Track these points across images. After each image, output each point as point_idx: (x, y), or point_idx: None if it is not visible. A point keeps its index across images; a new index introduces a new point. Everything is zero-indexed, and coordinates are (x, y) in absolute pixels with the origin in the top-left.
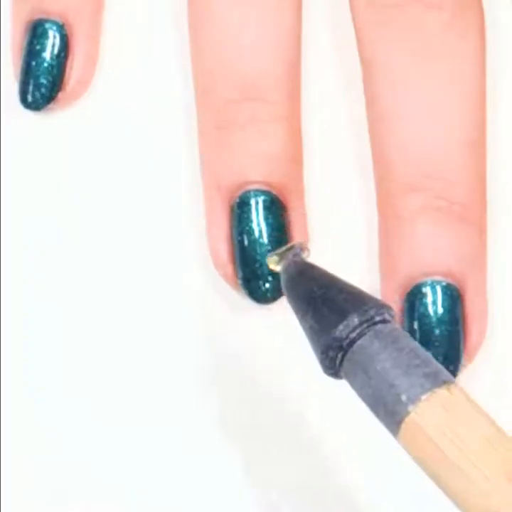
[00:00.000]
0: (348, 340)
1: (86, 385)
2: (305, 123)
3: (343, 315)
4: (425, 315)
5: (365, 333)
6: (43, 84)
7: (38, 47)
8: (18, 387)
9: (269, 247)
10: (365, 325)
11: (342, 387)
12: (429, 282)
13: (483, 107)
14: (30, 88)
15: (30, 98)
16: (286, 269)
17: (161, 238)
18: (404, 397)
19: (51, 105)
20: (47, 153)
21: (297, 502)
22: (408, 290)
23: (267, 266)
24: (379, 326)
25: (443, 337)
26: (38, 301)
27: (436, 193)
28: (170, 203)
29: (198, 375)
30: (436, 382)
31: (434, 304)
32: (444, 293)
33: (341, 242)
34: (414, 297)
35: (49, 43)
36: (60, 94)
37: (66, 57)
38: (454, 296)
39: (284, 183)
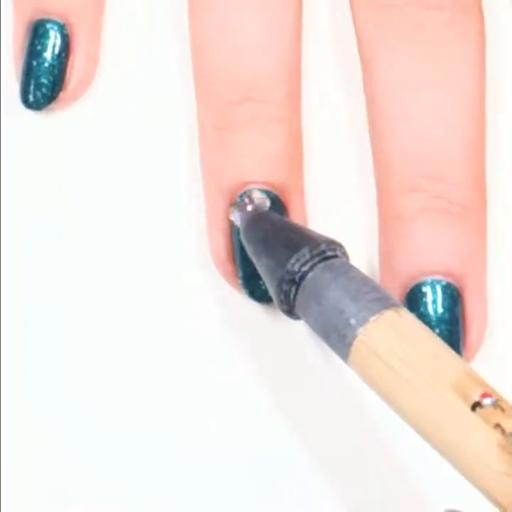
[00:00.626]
0: (300, 274)
1: (86, 385)
2: (305, 123)
3: (295, 250)
4: (425, 314)
5: (316, 266)
6: (44, 84)
7: (39, 47)
8: (18, 387)
9: None
10: (316, 259)
11: (342, 388)
12: (428, 282)
13: (483, 107)
14: (32, 88)
15: (31, 98)
16: (244, 217)
17: (161, 237)
18: (353, 321)
19: (52, 105)
20: (47, 153)
21: (297, 502)
22: (408, 289)
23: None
24: (330, 260)
25: (443, 336)
26: (38, 301)
27: (436, 193)
28: (170, 202)
29: (198, 375)
30: (384, 305)
31: (434, 304)
32: (443, 292)
33: (341, 241)
34: (414, 296)
35: (50, 43)
36: (61, 94)
37: (67, 57)
38: (453, 296)
39: (284, 184)
